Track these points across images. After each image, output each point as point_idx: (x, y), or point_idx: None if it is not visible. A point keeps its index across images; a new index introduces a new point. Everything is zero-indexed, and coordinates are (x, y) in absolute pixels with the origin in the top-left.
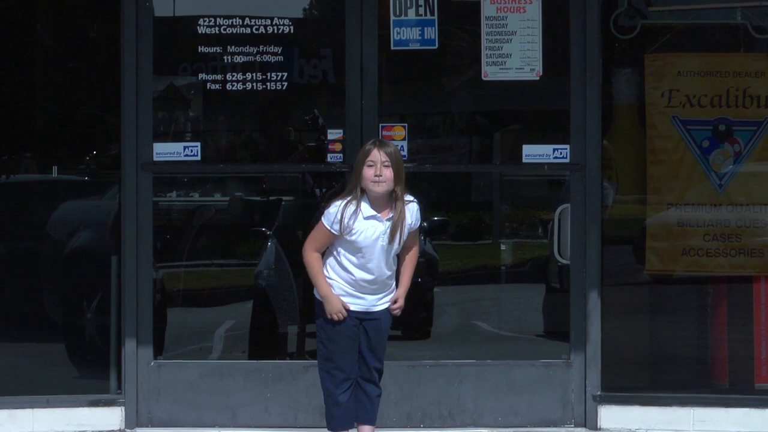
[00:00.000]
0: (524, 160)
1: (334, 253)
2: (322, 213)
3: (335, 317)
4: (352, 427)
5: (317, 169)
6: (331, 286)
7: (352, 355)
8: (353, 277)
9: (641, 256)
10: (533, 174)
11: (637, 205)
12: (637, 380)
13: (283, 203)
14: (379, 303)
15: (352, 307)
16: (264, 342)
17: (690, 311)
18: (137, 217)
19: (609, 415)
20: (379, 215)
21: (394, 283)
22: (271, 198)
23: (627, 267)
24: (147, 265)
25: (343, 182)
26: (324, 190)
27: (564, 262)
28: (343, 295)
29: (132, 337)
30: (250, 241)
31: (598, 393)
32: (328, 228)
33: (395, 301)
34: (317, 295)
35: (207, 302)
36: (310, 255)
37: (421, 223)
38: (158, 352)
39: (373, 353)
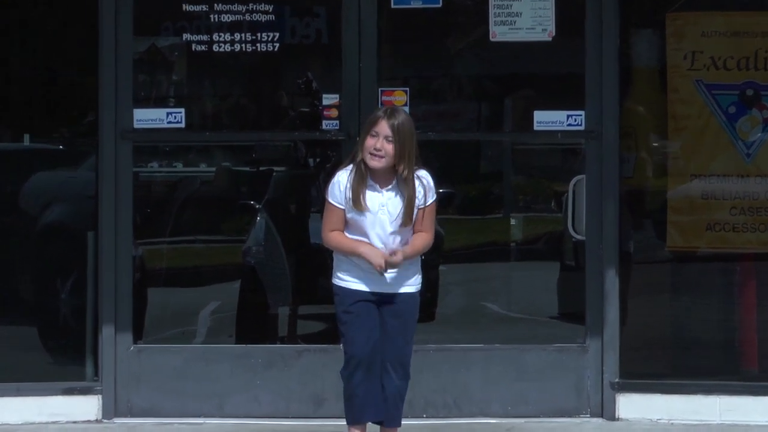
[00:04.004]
0: (536, 128)
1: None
2: (326, 191)
3: (385, 262)
4: (366, 420)
5: (311, 137)
6: (361, 241)
7: (365, 340)
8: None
9: (662, 231)
10: (546, 143)
11: (657, 176)
12: (659, 366)
13: (274, 174)
14: (394, 284)
15: (363, 288)
16: (253, 325)
17: (715, 291)
18: (116, 189)
19: (628, 404)
20: (376, 185)
21: (412, 268)
22: (261, 169)
23: (647, 243)
24: (126, 241)
25: (339, 152)
26: (318, 159)
27: (579, 237)
28: (352, 280)
29: (110, 320)
30: (238, 216)
31: (617, 380)
32: (335, 204)
33: (394, 254)
34: (335, 282)
35: (191, 282)
36: (328, 235)
37: (434, 201)
38: (138, 336)
39: (390, 341)
